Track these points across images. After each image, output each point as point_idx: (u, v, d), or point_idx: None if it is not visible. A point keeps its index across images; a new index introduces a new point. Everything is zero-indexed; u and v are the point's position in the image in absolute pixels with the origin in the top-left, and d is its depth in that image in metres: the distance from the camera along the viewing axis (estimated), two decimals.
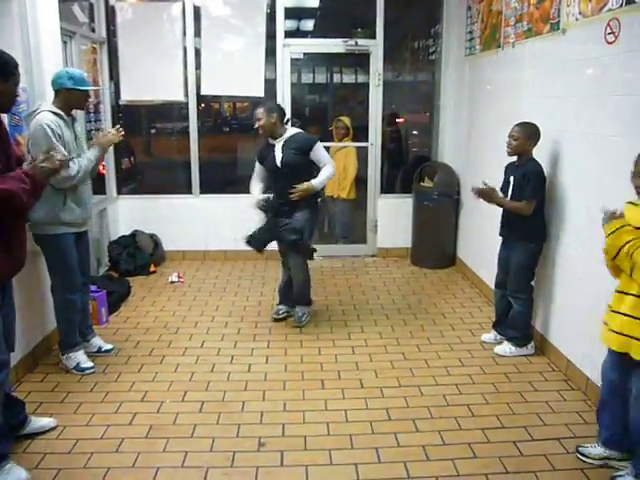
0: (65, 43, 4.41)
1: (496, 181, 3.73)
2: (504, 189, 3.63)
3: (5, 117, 3.24)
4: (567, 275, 3.44)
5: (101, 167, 5.56)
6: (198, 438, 2.83)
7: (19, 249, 2.52)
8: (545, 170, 3.47)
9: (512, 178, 3.55)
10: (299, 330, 4.13)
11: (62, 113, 3.21)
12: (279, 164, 3.93)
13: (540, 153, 3.51)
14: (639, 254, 2.18)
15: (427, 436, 2.84)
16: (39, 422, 2.87)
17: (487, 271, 4.41)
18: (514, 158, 3.59)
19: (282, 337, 4.02)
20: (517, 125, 3.50)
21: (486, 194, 3.59)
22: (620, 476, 2.52)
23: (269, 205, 4.04)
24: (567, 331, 3.46)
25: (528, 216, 3.44)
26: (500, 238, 3.76)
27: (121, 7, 5.52)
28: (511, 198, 3.54)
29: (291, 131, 4.02)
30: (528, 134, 3.46)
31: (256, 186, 4.17)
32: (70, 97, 3.22)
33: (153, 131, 6.42)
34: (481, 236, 4.91)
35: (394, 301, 4.75)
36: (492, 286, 3.97)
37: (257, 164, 4.15)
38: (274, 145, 3.97)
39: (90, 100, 5.00)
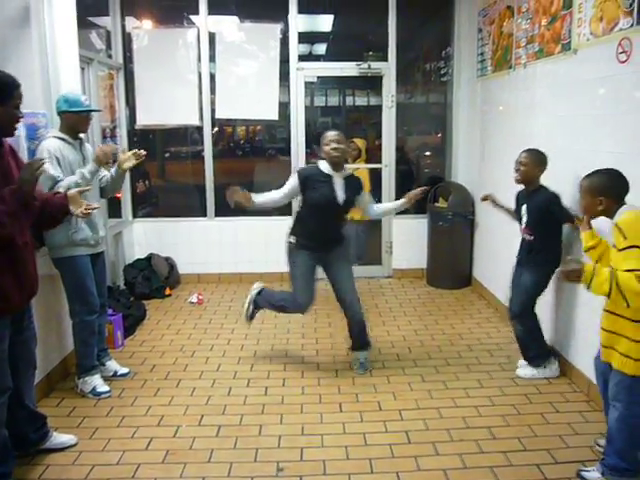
0: (83, 69, 4.50)
1: (509, 201, 3.73)
2: (517, 217, 3.61)
3: (24, 142, 3.30)
4: (588, 296, 3.37)
5: None
6: (215, 463, 2.80)
7: (25, 276, 2.47)
8: (558, 190, 3.40)
9: (525, 207, 3.49)
10: (315, 353, 4.10)
11: (67, 137, 3.27)
12: (341, 202, 3.55)
13: (553, 174, 3.48)
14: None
15: (448, 460, 2.79)
16: (60, 438, 2.91)
17: (503, 291, 4.35)
18: (521, 186, 3.52)
19: (299, 360, 4.00)
20: (525, 151, 3.44)
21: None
22: (586, 471, 2.58)
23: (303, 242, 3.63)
24: (589, 352, 3.38)
25: (547, 240, 3.41)
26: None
27: (137, 34, 5.62)
28: (527, 226, 3.48)
29: (348, 170, 3.70)
30: (537, 160, 3.39)
31: (268, 198, 3.65)
32: (69, 120, 3.28)
33: (167, 155, 6.49)
34: (497, 256, 4.87)
35: (410, 322, 4.72)
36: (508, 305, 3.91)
37: (295, 185, 3.57)
38: (331, 177, 3.54)
39: (106, 125, 5.10)
